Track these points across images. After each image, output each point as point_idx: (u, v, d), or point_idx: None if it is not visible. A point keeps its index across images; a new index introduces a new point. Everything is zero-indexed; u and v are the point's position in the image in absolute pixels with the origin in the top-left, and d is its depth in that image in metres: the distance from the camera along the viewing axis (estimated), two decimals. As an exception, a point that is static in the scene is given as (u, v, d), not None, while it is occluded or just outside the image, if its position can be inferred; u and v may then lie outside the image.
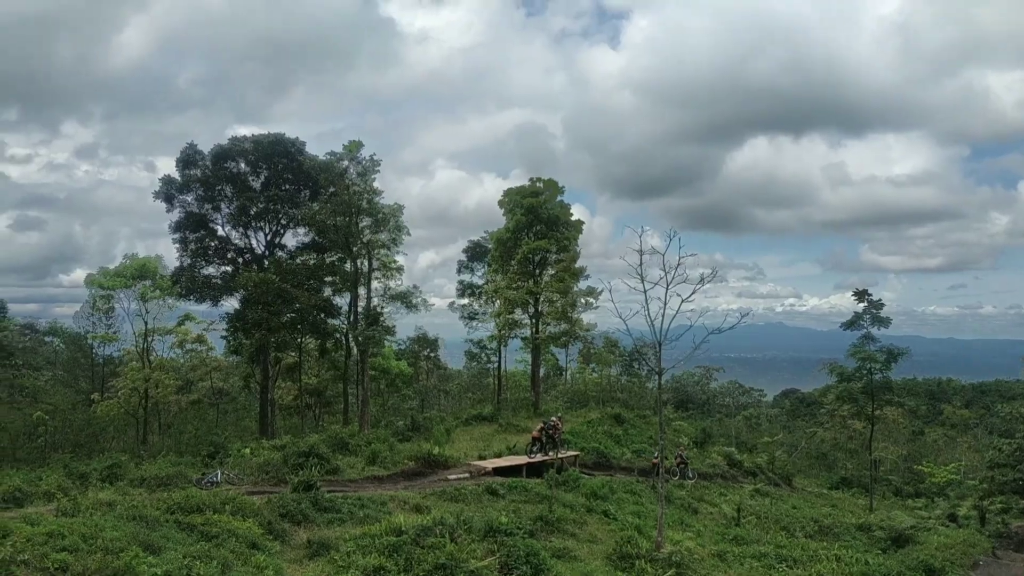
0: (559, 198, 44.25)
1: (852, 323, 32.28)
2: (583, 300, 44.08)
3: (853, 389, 33.31)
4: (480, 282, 51.23)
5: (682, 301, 20.83)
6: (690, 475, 31.37)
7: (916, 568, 20.85)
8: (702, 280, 21.29)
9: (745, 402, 74.41)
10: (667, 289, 20.54)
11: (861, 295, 32.19)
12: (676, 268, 20.32)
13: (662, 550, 19.43)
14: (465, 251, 52.81)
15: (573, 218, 44.34)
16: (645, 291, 20.82)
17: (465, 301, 51.52)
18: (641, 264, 20.77)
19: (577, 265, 43.98)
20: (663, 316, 20.76)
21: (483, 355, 54.36)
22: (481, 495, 23.37)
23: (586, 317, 45.67)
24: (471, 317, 50.68)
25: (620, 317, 20.64)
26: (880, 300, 31.85)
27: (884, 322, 32.00)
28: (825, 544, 24.60)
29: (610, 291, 21.65)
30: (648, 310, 20.89)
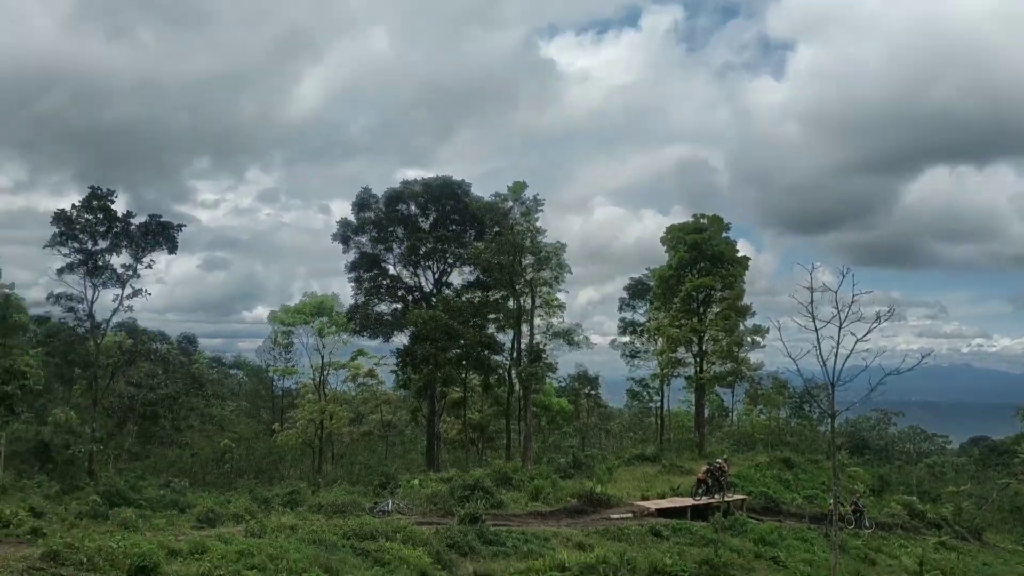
0: (724, 234, 43.50)
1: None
2: (749, 339, 42.92)
3: (1052, 437, 30.64)
4: (642, 319, 50.93)
5: (857, 340, 19.96)
6: (867, 524, 29.69)
7: None
8: (878, 318, 20.34)
9: (927, 449, 69.74)
10: (840, 328, 19.75)
11: (1059, 335, 29.74)
12: (850, 306, 19.56)
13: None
14: (627, 288, 52.73)
15: (739, 254, 43.47)
16: (816, 330, 20.09)
17: (627, 339, 51.31)
18: (812, 302, 20.12)
19: (743, 303, 42.97)
20: (835, 356, 19.97)
21: (645, 394, 53.81)
22: (644, 536, 23.08)
23: (753, 356, 44.43)
24: (632, 355, 50.37)
25: (790, 356, 19.94)
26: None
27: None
28: (1022, 604, 22.67)
29: (779, 329, 20.99)
30: (820, 349, 20.13)
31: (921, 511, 33.93)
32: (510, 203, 41.39)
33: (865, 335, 20.00)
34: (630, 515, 25.48)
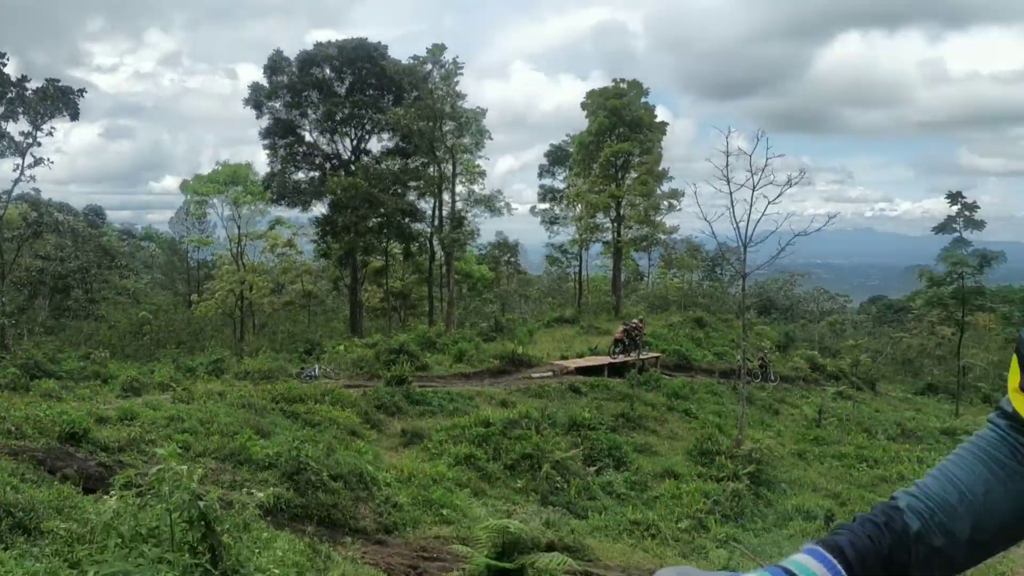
0: (643, 99, 43.54)
1: (944, 227, 31.43)
2: (666, 203, 43.77)
3: (943, 294, 32.67)
4: (561, 186, 51.15)
5: (768, 203, 20.77)
6: (772, 377, 31.53)
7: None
8: (789, 182, 21.15)
9: (830, 308, 73.08)
10: (753, 191, 20.49)
11: (954, 197, 31.21)
12: (763, 170, 20.21)
13: (742, 447, 19.85)
14: (547, 155, 52.59)
15: (657, 120, 43.72)
16: (731, 192, 20.81)
17: (546, 206, 51.60)
18: (727, 166, 20.68)
19: (660, 168, 43.55)
20: (748, 219, 20.76)
21: (564, 260, 54.68)
22: (564, 393, 24.10)
23: (669, 221, 45.47)
24: (552, 222, 50.81)
25: (705, 219, 20.68)
26: (975, 203, 30.86)
27: (978, 225, 31.06)
28: (907, 446, 24.68)
29: (695, 193, 21.63)
30: (733, 212, 20.90)
31: (822, 364, 36.11)
32: (429, 66, 40.36)
33: (776, 198, 20.82)
34: (550, 374, 26.47)
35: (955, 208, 31.05)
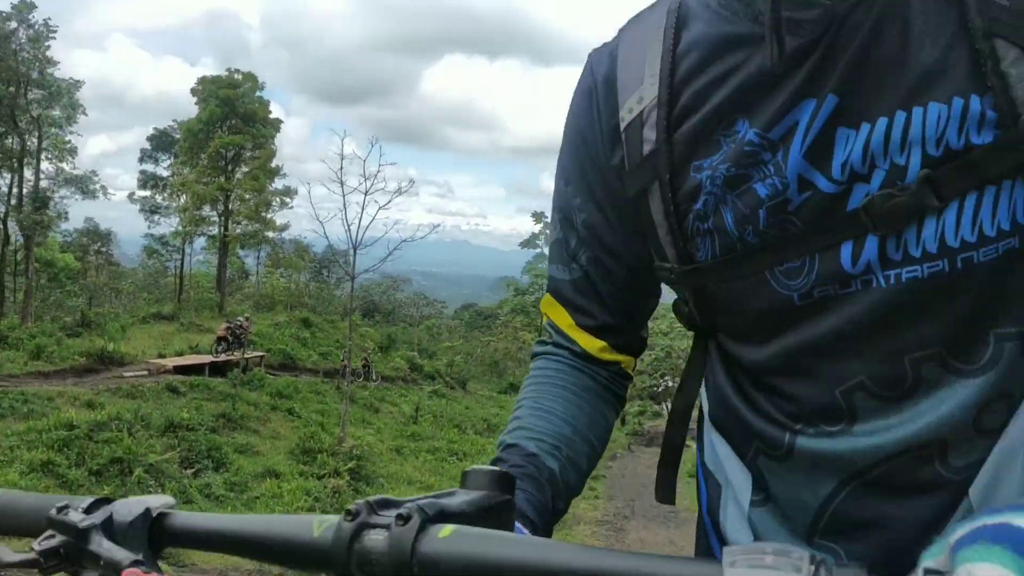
0: (257, 93, 42.65)
1: (529, 242, 35.17)
2: (277, 200, 43.28)
3: (526, 302, 36.50)
4: (166, 174, 48.06)
5: (379, 208, 21.66)
6: (374, 377, 32.68)
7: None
8: (399, 190, 22.25)
9: (428, 313, 77.15)
10: (366, 195, 21.20)
11: (538, 217, 35.12)
12: (376, 175, 21.01)
13: (344, 445, 20.38)
14: (150, 139, 49.03)
15: (271, 116, 43.06)
16: (344, 195, 21.31)
17: (147, 193, 48.18)
18: (341, 169, 21.19)
19: (273, 164, 42.95)
20: (359, 223, 21.42)
21: (164, 252, 51.46)
22: (160, 392, 22.77)
23: (280, 219, 45.02)
24: (153, 211, 47.58)
25: (318, 219, 20.96)
26: (554, 223, 34.88)
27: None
28: (492, 439, 27.13)
29: (309, 193, 21.85)
30: (346, 215, 21.42)
31: (420, 365, 38.25)
32: (14, 24, 35.53)
33: (387, 204, 21.78)
34: (146, 373, 24.87)
35: (539, 227, 34.86)
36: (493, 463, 1.00)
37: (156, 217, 47.94)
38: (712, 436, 1.06)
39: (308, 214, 21.02)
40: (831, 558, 0.46)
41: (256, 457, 19.81)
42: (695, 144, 0.86)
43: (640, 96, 0.91)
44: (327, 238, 21.72)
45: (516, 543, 0.55)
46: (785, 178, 0.80)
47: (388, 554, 0.56)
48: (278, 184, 43.88)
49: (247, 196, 41.94)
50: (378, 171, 20.89)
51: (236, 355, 27.45)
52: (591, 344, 1.10)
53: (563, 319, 1.12)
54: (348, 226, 21.34)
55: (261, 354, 29.85)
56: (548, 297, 1.14)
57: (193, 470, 17.38)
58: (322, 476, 18.56)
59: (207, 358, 27.81)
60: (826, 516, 0.90)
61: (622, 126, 0.93)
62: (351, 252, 22.06)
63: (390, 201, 21.06)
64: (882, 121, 0.76)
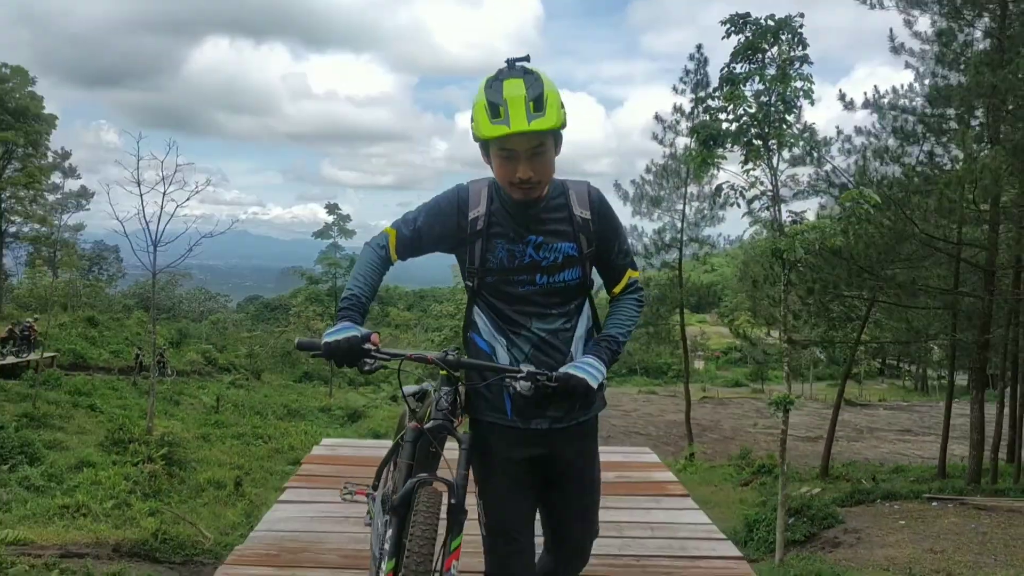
0: (29, 88, 40.84)
1: (323, 232, 36.64)
2: (74, 200, 41.91)
3: (320, 291, 38.07)
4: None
5: (177, 206, 22.69)
6: (169, 372, 33.14)
7: (365, 434, 26.03)
8: (196, 187, 23.35)
9: (212, 307, 75.65)
10: (164, 195, 22.18)
11: (332, 208, 36.71)
12: (174, 174, 21.96)
13: (153, 434, 21.43)
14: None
15: (45, 111, 41.41)
16: (141, 195, 22.16)
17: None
18: (138, 168, 21.99)
19: (48, 160, 41.44)
20: (159, 219, 22.36)
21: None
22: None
23: (76, 219, 43.48)
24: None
25: (117, 219, 21.64)
26: (348, 215, 36.74)
27: (349, 233, 37.02)
28: (294, 423, 28.79)
29: (108, 191, 22.38)
30: (144, 213, 22.26)
31: (215, 358, 38.82)
32: None
33: (186, 200, 22.84)
34: (-68, 379, 24.40)
35: (332, 217, 36.45)
36: (343, 305, 2.49)
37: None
38: (479, 324, 2.96)
39: (109, 213, 21.26)
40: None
41: (67, 451, 20.48)
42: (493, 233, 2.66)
43: (479, 210, 2.62)
44: (127, 236, 22.31)
45: None
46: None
47: None
48: (73, 184, 42.52)
49: (22, 194, 40.34)
50: (176, 169, 21.83)
51: (29, 357, 27.27)
52: (394, 254, 2.66)
53: (392, 241, 2.65)
54: (147, 224, 22.22)
55: (52, 355, 29.62)
56: (390, 229, 2.66)
57: (8, 465, 18.03)
58: (137, 463, 19.61)
59: (-5, 361, 27.40)
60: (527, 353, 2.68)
61: (470, 217, 2.62)
62: (150, 250, 22.79)
63: (189, 198, 22.14)
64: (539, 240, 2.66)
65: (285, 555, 4.38)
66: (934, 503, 14.53)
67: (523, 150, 2.41)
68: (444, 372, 2.56)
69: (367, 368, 2.42)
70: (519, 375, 2.45)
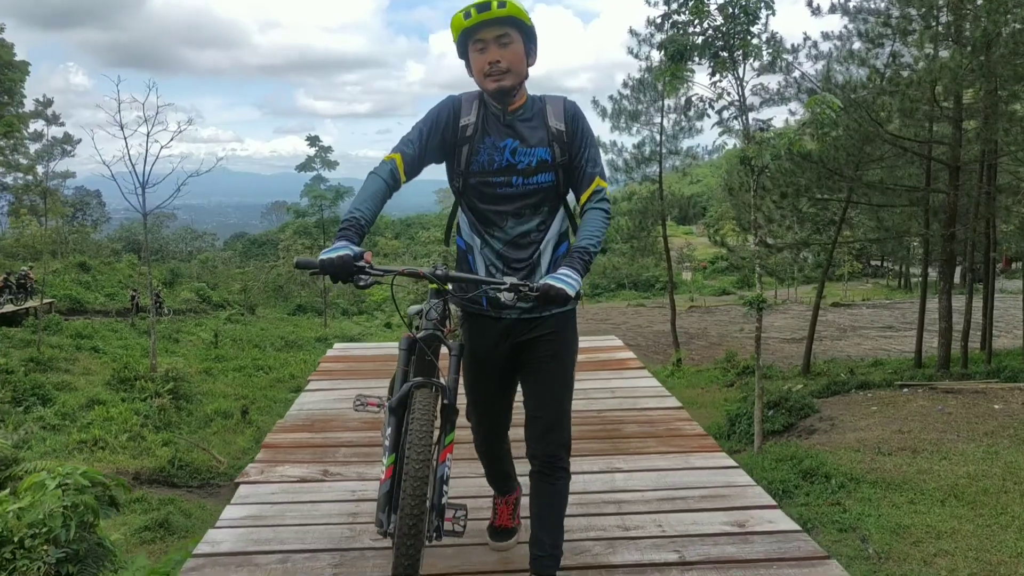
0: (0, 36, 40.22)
1: (305, 165, 36.79)
2: (60, 148, 41.79)
3: (308, 224, 38.42)
4: None
5: (162, 147, 23.03)
6: (165, 311, 33.75)
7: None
8: (179, 127, 23.64)
9: (200, 247, 75.86)
10: (148, 137, 22.51)
11: (313, 140, 36.76)
12: (156, 115, 22.28)
13: (158, 371, 22.15)
14: None
15: (17, 59, 40.83)
16: (125, 138, 22.49)
17: None
18: (119, 111, 22.27)
19: (25, 109, 41.03)
20: (145, 161, 22.73)
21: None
22: (-39, 345, 23.30)
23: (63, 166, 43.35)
24: None
25: (104, 163, 21.99)
26: (330, 146, 36.84)
27: (332, 165, 37.21)
28: (292, 353, 29.52)
29: (92, 138, 22.59)
30: (129, 156, 22.63)
31: (209, 296, 39.39)
32: None
33: (169, 141, 23.20)
34: (-65, 330, 24.96)
35: (314, 150, 36.52)
36: (342, 226, 2.64)
37: None
38: (461, 224, 3.08)
39: (95, 157, 21.57)
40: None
41: (76, 392, 21.20)
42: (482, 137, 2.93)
43: (470, 118, 2.91)
44: (115, 180, 22.67)
45: None
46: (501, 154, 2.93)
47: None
48: (57, 132, 42.40)
49: (1, 144, 40.05)
50: (157, 112, 22.11)
51: (27, 304, 27.77)
52: (401, 173, 2.84)
53: (400, 164, 2.83)
54: (133, 166, 22.55)
55: (50, 301, 30.15)
56: (393, 154, 2.84)
57: (22, 407, 18.77)
58: (145, 398, 20.40)
59: (-9, 310, 27.93)
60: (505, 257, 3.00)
61: (461, 124, 2.91)
62: (139, 192, 23.19)
63: (172, 139, 22.48)
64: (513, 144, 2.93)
65: (317, 424, 5.56)
66: (904, 390, 15.39)
67: (491, 38, 2.75)
68: (434, 285, 2.76)
69: (362, 284, 2.57)
70: (503, 286, 2.64)
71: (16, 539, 3.37)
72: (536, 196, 2.94)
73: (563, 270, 2.72)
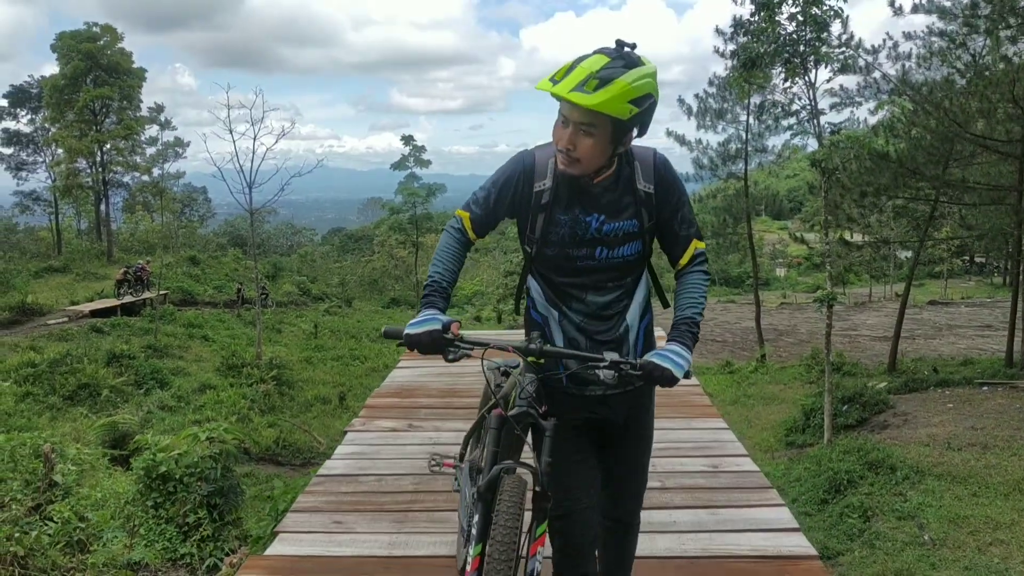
0: (119, 45, 43.11)
1: (400, 164, 38.03)
2: (172, 150, 44.61)
3: (402, 220, 39.74)
4: (27, 130, 48.01)
5: (267, 149, 24.46)
6: (270, 303, 35.60)
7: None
8: (283, 129, 25.04)
9: (299, 241, 78.33)
10: (255, 140, 23.95)
11: (407, 140, 38.02)
12: (261, 120, 23.69)
13: (262, 359, 23.61)
14: (6, 96, 48.53)
15: (135, 66, 43.70)
16: (234, 141, 23.97)
17: (10, 151, 48.07)
18: (228, 115, 23.74)
19: (143, 113, 43.96)
20: (252, 162, 24.17)
21: (37, 208, 51.39)
22: (88, 334, 25.23)
23: (175, 167, 46.20)
24: (19, 168, 47.67)
25: (215, 164, 23.52)
26: (422, 146, 38.11)
27: (425, 163, 38.41)
28: (387, 344, 30.70)
29: (204, 140, 24.19)
30: (237, 157, 24.10)
31: (309, 289, 41.26)
32: None
33: (275, 143, 24.62)
34: (66, 319, 27.07)
35: (407, 148, 37.75)
36: (426, 292, 2.58)
37: (23, 173, 47.98)
38: (534, 295, 2.79)
39: (208, 160, 23.32)
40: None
41: (189, 377, 22.84)
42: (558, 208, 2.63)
43: (545, 183, 2.60)
44: (224, 180, 24.14)
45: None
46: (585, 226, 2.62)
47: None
48: (168, 136, 45.22)
49: (121, 145, 42.93)
50: (263, 116, 23.49)
51: (144, 295, 29.83)
52: (472, 234, 2.72)
53: (467, 224, 2.71)
54: (241, 167, 24.02)
55: (164, 292, 32.27)
56: (462, 212, 2.71)
57: (143, 389, 20.44)
58: (251, 384, 21.84)
59: (115, 301, 30.12)
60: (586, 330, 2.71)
61: (536, 189, 2.61)
62: (246, 191, 24.63)
63: (277, 141, 23.77)
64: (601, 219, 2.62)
65: (404, 391, 7.53)
66: (984, 388, 15.42)
67: (573, 120, 2.41)
68: (529, 360, 2.58)
69: (451, 357, 2.45)
70: (602, 363, 2.43)
71: (177, 476, 4.48)
72: (620, 268, 2.68)
73: (672, 346, 2.54)
